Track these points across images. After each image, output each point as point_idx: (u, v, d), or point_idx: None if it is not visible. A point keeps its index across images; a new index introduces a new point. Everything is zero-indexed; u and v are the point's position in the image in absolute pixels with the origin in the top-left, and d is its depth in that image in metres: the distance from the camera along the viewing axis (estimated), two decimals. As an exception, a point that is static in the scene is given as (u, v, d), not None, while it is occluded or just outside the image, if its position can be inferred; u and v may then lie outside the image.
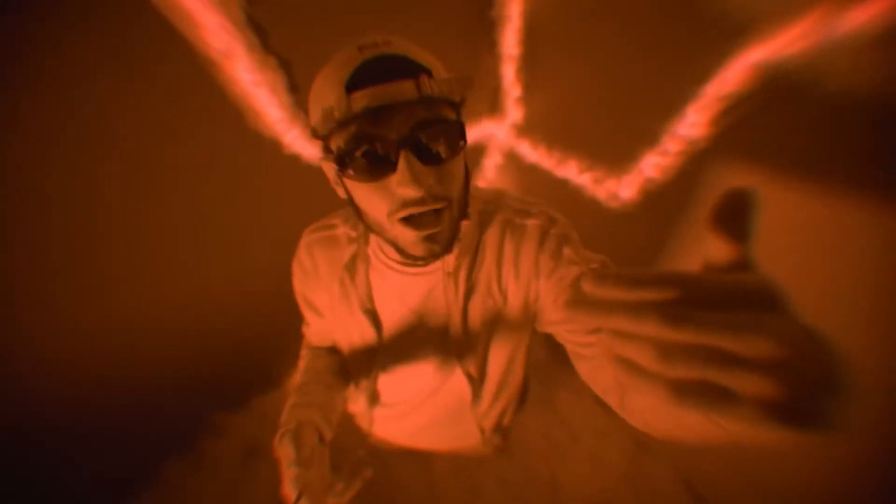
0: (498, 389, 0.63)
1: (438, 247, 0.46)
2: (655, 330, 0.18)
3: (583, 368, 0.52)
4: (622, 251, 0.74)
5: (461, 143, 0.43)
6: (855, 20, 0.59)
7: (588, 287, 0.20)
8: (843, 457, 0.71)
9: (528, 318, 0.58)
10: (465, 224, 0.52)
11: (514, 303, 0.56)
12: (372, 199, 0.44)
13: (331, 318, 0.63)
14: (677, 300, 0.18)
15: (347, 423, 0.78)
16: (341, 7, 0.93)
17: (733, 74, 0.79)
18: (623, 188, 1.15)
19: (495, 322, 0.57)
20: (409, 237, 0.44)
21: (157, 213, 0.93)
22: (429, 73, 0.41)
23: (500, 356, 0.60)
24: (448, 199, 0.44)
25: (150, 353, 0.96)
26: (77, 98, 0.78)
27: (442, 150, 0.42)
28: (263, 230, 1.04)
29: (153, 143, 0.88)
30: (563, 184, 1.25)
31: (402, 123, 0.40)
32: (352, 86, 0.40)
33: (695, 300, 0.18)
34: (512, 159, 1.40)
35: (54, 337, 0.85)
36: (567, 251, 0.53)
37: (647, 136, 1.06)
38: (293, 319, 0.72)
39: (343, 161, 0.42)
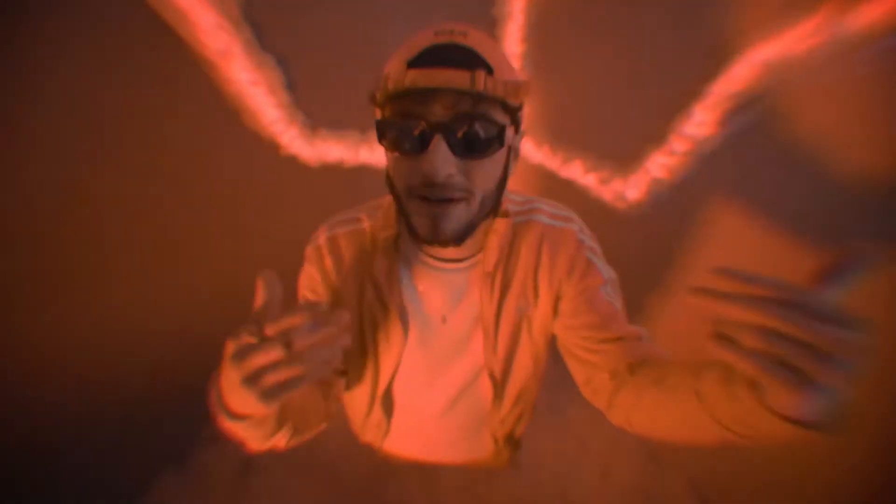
0: (519, 393, 0.64)
1: (443, 233, 0.47)
2: (768, 318, 0.26)
3: (580, 372, 0.56)
4: (626, 253, 0.75)
5: (497, 145, 0.45)
6: (862, 19, 0.60)
7: (721, 279, 0.28)
8: (851, 465, 0.71)
9: (553, 321, 0.59)
10: (503, 223, 0.54)
11: (544, 305, 0.58)
12: (399, 170, 0.47)
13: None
14: (790, 302, 0.26)
15: (352, 440, 0.77)
16: (339, 5, 0.94)
17: (740, 73, 0.80)
18: (629, 188, 1.16)
19: (524, 324, 0.59)
20: (419, 214, 0.47)
21: (151, 220, 0.93)
22: (490, 70, 0.43)
23: (525, 359, 0.61)
24: (469, 193, 0.46)
25: (142, 362, 0.96)
26: (71, 99, 0.78)
27: (476, 145, 0.44)
28: (261, 235, 1.04)
29: (148, 144, 0.88)
30: (569, 184, 1.26)
31: (445, 109, 0.42)
32: (413, 63, 0.43)
33: (809, 309, 0.26)
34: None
35: (45, 346, 0.85)
36: (595, 263, 0.56)
37: (654, 136, 1.07)
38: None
39: (382, 129, 0.46)
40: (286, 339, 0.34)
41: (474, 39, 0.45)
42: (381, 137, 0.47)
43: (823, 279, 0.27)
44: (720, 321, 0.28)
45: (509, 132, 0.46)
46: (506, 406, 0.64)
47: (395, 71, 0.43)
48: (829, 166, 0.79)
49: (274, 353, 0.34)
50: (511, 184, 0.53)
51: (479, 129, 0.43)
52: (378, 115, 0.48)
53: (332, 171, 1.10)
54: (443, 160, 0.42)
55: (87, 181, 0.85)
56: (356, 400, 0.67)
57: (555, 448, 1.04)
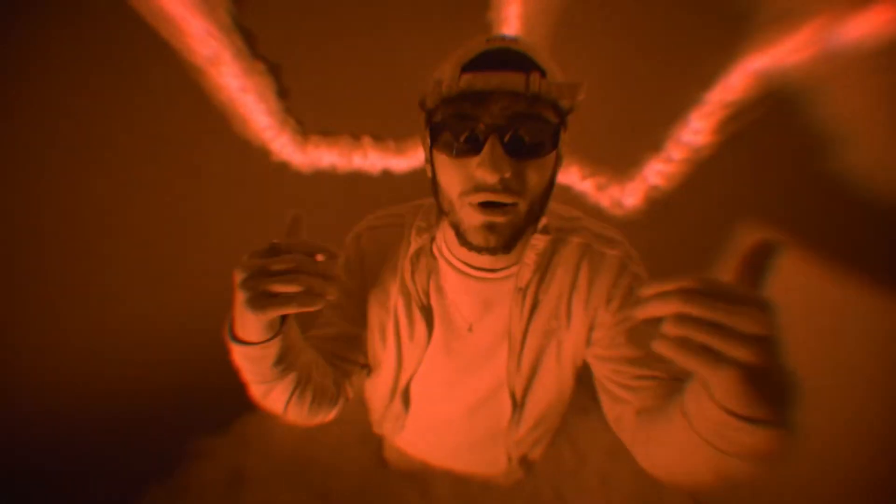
0: (540, 417, 0.63)
1: (496, 239, 0.47)
2: (679, 307, 0.29)
3: (612, 409, 0.53)
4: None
5: (551, 146, 0.46)
6: (857, 29, 0.62)
7: (643, 290, 0.31)
8: (851, 470, 0.72)
9: (585, 348, 0.58)
10: (542, 239, 0.54)
11: (577, 330, 0.57)
12: (451, 174, 0.47)
13: (375, 309, 0.62)
14: (699, 290, 0.29)
15: (345, 454, 0.76)
16: (331, 10, 0.94)
17: (737, 81, 0.82)
18: (627, 196, 1.17)
19: (553, 346, 0.58)
20: (472, 220, 0.47)
21: (138, 229, 0.93)
22: (542, 73, 0.44)
23: (549, 382, 0.60)
24: (521, 196, 0.46)
25: (128, 374, 0.96)
26: (61, 106, 0.79)
27: (530, 146, 0.45)
28: (249, 245, 1.04)
29: (138, 153, 0.89)
30: (565, 190, 1.27)
31: (501, 111, 0.43)
32: (468, 67, 0.44)
33: (713, 293, 0.28)
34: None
35: (27, 358, 0.85)
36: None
37: (651, 142, 1.09)
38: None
39: (436, 131, 0.46)
40: (290, 262, 0.38)
41: (525, 44, 0.46)
42: (434, 140, 0.47)
43: (740, 273, 0.30)
44: (651, 323, 0.31)
45: (562, 134, 0.48)
46: (524, 427, 0.63)
47: (448, 75, 0.45)
48: (829, 173, 0.80)
49: (272, 263, 0.37)
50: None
51: (534, 130, 0.44)
52: (424, 124, 0.50)
53: (326, 178, 1.11)
54: (498, 160, 0.43)
55: (74, 189, 0.85)
56: (378, 388, 0.67)
57: (554, 456, 1.04)
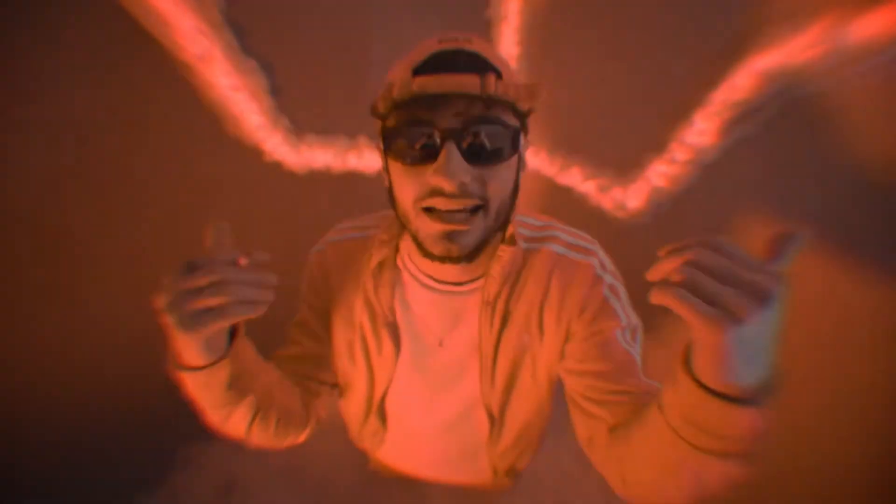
0: (521, 431, 0.61)
1: (458, 248, 0.45)
2: (693, 255, 0.29)
3: (584, 426, 0.52)
4: (630, 262, 0.75)
5: (511, 150, 0.45)
6: (863, 31, 0.61)
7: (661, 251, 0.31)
8: (850, 473, 0.72)
9: (559, 361, 0.56)
10: (510, 250, 0.52)
11: (551, 344, 0.55)
12: (405, 182, 0.45)
13: (341, 326, 0.61)
14: (715, 245, 0.29)
15: (339, 460, 0.76)
16: (325, 7, 0.94)
17: (741, 81, 0.81)
18: (630, 197, 1.17)
19: (527, 361, 0.56)
20: (430, 230, 0.45)
21: (127, 232, 0.93)
22: (498, 74, 0.43)
23: (526, 398, 0.58)
24: (484, 201, 0.45)
25: (117, 382, 0.96)
26: (47, 106, 0.78)
27: (489, 151, 0.43)
28: (241, 248, 1.04)
29: (124, 150, 0.88)
30: (567, 191, 1.27)
31: (456, 115, 0.42)
32: (420, 70, 0.43)
33: (727, 251, 0.29)
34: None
35: (15, 365, 0.84)
36: (613, 304, 0.52)
37: (655, 143, 1.08)
38: (268, 343, 0.72)
39: (390, 138, 0.45)
40: (212, 274, 0.36)
41: (479, 45, 0.45)
42: (388, 148, 0.46)
43: (766, 256, 0.31)
44: (657, 274, 0.31)
45: (521, 137, 0.46)
46: (505, 442, 0.62)
47: (400, 78, 0.43)
48: (839, 172, 0.80)
49: (193, 280, 0.36)
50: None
51: (492, 134, 0.43)
52: (379, 132, 0.48)
53: (320, 178, 1.11)
54: (456, 167, 0.42)
55: (61, 187, 0.84)
56: (352, 406, 0.66)
57: (553, 463, 1.04)
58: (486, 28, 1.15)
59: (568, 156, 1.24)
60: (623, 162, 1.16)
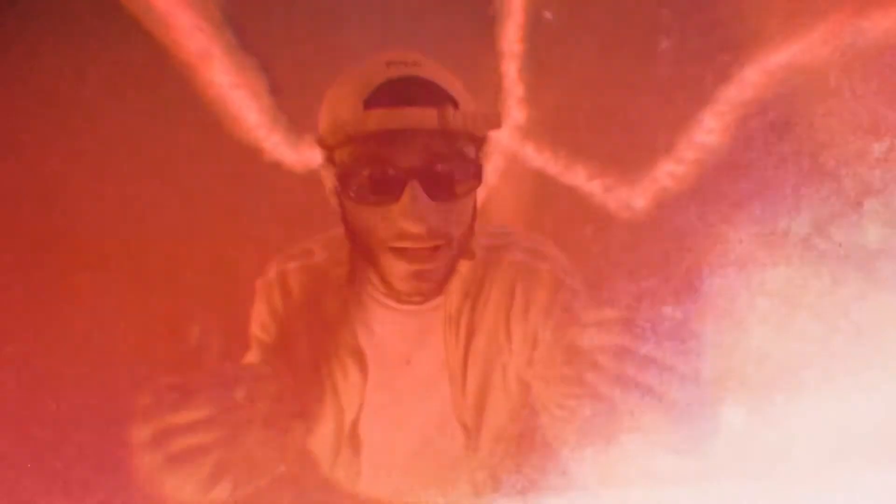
0: (496, 440, 0.62)
1: (427, 285, 0.46)
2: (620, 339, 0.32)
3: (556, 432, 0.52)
4: (630, 264, 0.75)
5: (476, 182, 0.44)
6: (876, 28, 0.60)
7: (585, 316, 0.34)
8: None
9: (529, 368, 0.56)
10: (468, 263, 0.52)
11: (521, 350, 0.55)
12: (368, 222, 0.44)
13: (301, 357, 0.59)
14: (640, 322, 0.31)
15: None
16: (327, 4, 0.94)
17: (751, 78, 0.80)
18: (636, 197, 1.16)
19: (497, 371, 0.56)
20: (398, 270, 0.44)
21: (117, 236, 0.93)
22: (455, 103, 0.42)
23: (501, 410, 0.59)
24: (449, 237, 0.44)
25: (109, 388, 0.96)
26: (40, 105, 0.79)
27: (454, 187, 0.43)
28: (240, 248, 1.04)
29: (122, 152, 0.89)
30: (571, 191, 1.26)
31: (417, 152, 0.41)
32: (371, 102, 0.41)
33: (653, 326, 0.32)
34: (515, 163, 1.41)
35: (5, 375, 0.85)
36: (577, 308, 0.53)
37: (662, 142, 1.07)
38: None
39: (347, 178, 0.43)
40: (204, 405, 0.32)
41: (430, 69, 0.43)
42: (343, 184, 0.43)
43: None
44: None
45: (484, 167, 0.46)
46: (482, 453, 0.62)
47: (350, 111, 0.41)
48: (843, 174, 0.79)
49: (185, 412, 0.31)
50: (507, 189, 0.53)
51: (456, 170, 0.42)
52: (324, 159, 0.46)
53: (320, 178, 1.11)
54: (423, 209, 0.40)
55: (57, 187, 0.85)
56: (323, 440, 0.65)
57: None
58: (490, 24, 1.15)
59: (573, 154, 1.23)
60: (629, 160, 1.15)
